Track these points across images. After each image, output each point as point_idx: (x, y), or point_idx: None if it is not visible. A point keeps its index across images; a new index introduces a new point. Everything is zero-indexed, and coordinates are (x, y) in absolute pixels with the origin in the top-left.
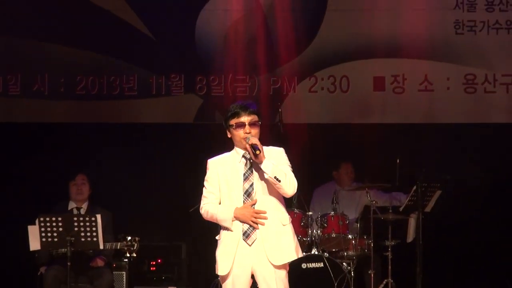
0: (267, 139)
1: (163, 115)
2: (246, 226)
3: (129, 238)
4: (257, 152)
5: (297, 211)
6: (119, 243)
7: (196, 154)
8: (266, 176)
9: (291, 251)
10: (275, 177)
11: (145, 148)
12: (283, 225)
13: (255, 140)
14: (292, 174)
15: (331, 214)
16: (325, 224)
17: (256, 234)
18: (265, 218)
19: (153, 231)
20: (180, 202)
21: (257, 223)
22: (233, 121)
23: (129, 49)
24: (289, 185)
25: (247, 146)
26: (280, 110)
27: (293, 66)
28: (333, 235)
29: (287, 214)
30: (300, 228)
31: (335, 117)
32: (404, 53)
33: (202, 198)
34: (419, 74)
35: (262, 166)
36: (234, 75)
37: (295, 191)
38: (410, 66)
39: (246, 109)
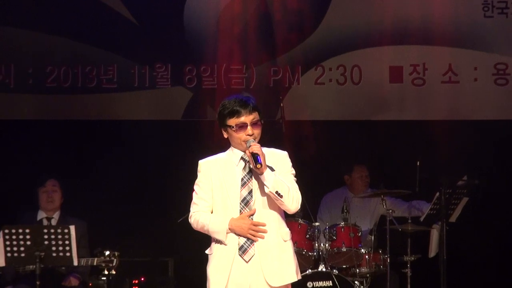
0: (267, 139)
1: (147, 111)
2: (242, 240)
3: (107, 252)
4: (258, 166)
5: (302, 222)
6: (95, 259)
7: (185, 155)
8: (266, 190)
9: (292, 271)
10: (276, 192)
11: (126, 149)
12: (284, 240)
13: (257, 149)
14: (296, 187)
15: (341, 225)
16: (334, 237)
17: (254, 249)
18: (265, 232)
19: (135, 244)
20: (166, 210)
21: (255, 236)
22: (232, 121)
23: (108, 35)
24: (292, 201)
25: (247, 152)
26: (281, 105)
27: (297, 54)
28: (344, 249)
29: (288, 228)
30: (306, 241)
31: (346, 113)
32: (425, 39)
33: (192, 205)
34: (442, 63)
35: (263, 179)
36: (228, 65)
37: (299, 207)
38: (432, 54)
39: (247, 106)
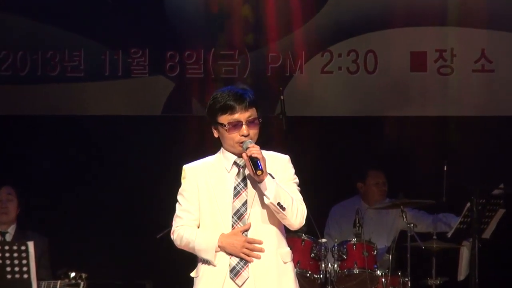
0: (264, 140)
1: (120, 105)
2: (235, 260)
3: (72, 274)
4: (258, 172)
5: (306, 238)
6: (59, 282)
7: (167, 158)
8: (266, 201)
9: None
10: (278, 204)
11: (95, 151)
12: (284, 262)
13: (257, 152)
14: (301, 198)
15: (353, 242)
16: (344, 256)
17: (248, 272)
18: (261, 251)
19: (107, 264)
20: (144, 224)
21: (250, 256)
22: (224, 119)
23: (74, 14)
24: (296, 215)
25: (244, 156)
26: (281, 98)
27: (300, 37)
28: (356, 270)
29: (288, 248)
30: (310, 261)
31: (358, 108)
32: (454, 20)
33: (175, 218)
34: (474, 49)
35: (263, 188)
36: (217, 50)
37: (303, 222)
38: (462, 38)
39: (243, 101)
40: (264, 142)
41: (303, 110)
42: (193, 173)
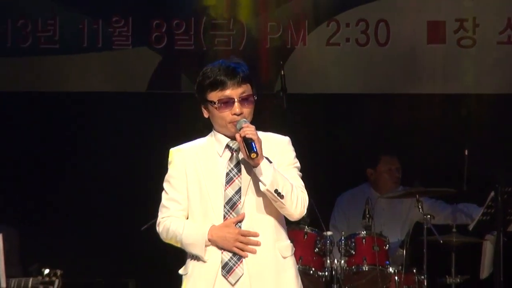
0: (262, 120)
1: (99, 81)
2: (227, 255)
3: (46, 271)
4: (252, 155)
5: (309, 230)
6: (31, 279)
7: (152, 140)
8: (262, 188)
9: None
10: (275, 191)
11: (71, 133)
12: (284, 257)
13: (251, 132)
14: (302, 185)
15: (362, 235)
16: (352, 251)
17: (242, 268)
18: (257, 244)
19: (85, 260)
20: (126, 215)
21: (244, 251)
22: (213, 95)
23: None
24: (296, 204)
25: (238, 137)
26: (282, 73)
27: (302, 3)
28: (365, 267)
29: (289, 240)
30: (314, 257)
31: (368, 85)
32: None
33: (161, 208)
34: (498, 18)
35: (258, 173)
36: (209, 18)
37: (305, 211)
38: (485, 6)
39: (235, 76)
40: (262, 122)
41: (306, 87)
42: (181, 157)
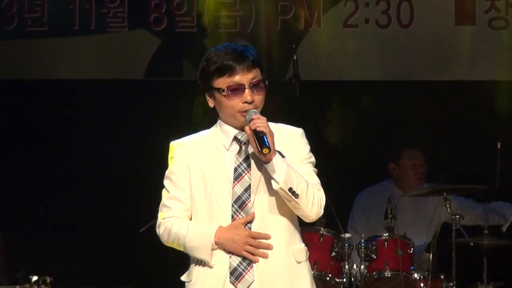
0: (273, 109)
1: (92, 67)
2: (236, 260)
3: (34, 278)
4: (265, 150)
5: (325, 232)
6: (17, 287)
7: (151, 133)
8: (275, 186)
9: None
10: (290, 190)
11: (62, 124)
12: (298, 262)
13: (263, 124)
14: (318, 182)
15: (383, 237)
16: (373, 255)
17: (252, 274)
18: (269, 248)
19: (77, 266)
20: (122, 215)
21: (254, 255)
22: (221, 82)
23: None
24: (313, 203)
25: (247, 129)
26: (294, 58)
27: None
28: (387, 273)
29: (303, 243)
30: (331, 261)
31: (390, 71)
32: None
33: (161, 208)
34: None
35: (270, 170)
36: None
37: (321, 212)
38: None
39: (244, 60)
40: (272, 113)
41: (320, 73)
42: (183, 151)
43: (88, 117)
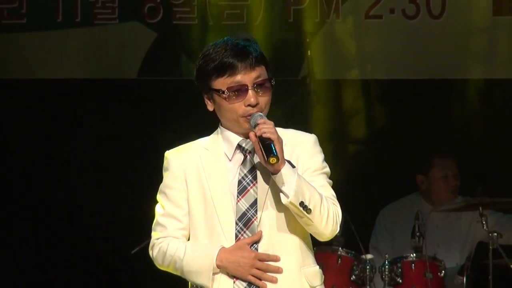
0: (283, 112)
1: (79, 65)
2: (241, 285)
3: None
4: (272, 160)
5: (344, 253)
6: None
7: (145, 139)
8: (284, 201)
9: None
10: (301, 204)
11: (45, 128)
12: (312, 287)
13: (270, 130)
14: (333, 196)
15: (410, 258)
16: (399, 279)
17: None
18: (279, 272)
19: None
20: (112, 235)
21: (262, 280)
22: (221, 83)
23: None
24: (327, 220)
25: (252, 136)
26: (309, 54)
27: None
28: None
29: (317, 266)
30: (350, 286)
31: (417, 68)
32: None
33: (155, 227)
34: None
35: (279, 181)
36: None
37: (337, 229)
38: None
39: (246, 56)
40: (283, 116)
41: (338, 72)
42: (179, 162)
43: (74, 121)
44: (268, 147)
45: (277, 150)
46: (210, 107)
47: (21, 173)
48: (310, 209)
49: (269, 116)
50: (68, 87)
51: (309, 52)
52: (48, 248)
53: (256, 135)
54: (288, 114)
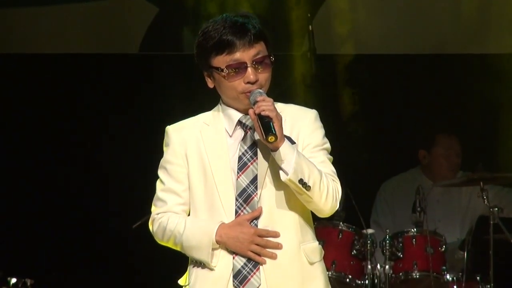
0: (285, 88)
1: (80, 40)
2: (240, 261)
3: (13, 280)
4: (270, 139)
5: (344, 228)
6: None
7: (147, 114)
8: (283, 178)
9: None
10: (300, 181)
11: (46, 105)
12: (311, 263)
13: (269, 108)
14: (333, 172)
15: (411, 233)
16: (399, 253)
17: (259, 278)
18: (278, 247)
19: (60, 268)
20: (113, 210)
21: (261, 256)
22: (219, 60)
23: None
24: (327, 196)
25: (251, 113)
26: (310, 29)
27: None
28: (416, 274)
29: (317, 241)
30: (351, 261)
31: (422, 43)
32: None
33: (155, 201)
34: None
35: (278, 159)
36: None
37: (337, 206)
38: None
39: (245, 33)
40: (284, 92)
41: (340, 46)
42: (180, 137)
43: (76, 95)
44: (266, 125)
45: (275, 128)
46: (211, 84)
47: (24, 145)
48: (309, 186)
49: (270, 92)
50: (70, 61)
51: (310, 27)
52: (53, 221)
53: (255, 113)
54: (289, 88)
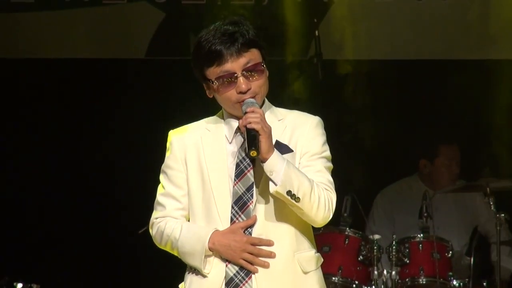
0: (291, 93)
1: (87, 45)
2: (232, 269)
3: (20, 285)
4: (252, 153)
5: (351, 233)
6: None
7: (153, 119)
8: (271, 189)
9: None
10: (288, 193)
11: (51, 108)
12: (305, 272)
13: (255, 120)
14: (329, 181)
15: (418, 239)
16: (406, 259)
17: (250, 286)
18: (270, 256)
19: (67, 272)
20: (117, 216)
21: (253, 264)
22: (211, 72)
23: None
24: (318, 207)
25: (240, 124)
26: (316, 34)
27: None
28: (422, 279)
29: (315, 249)
30: (357, 267)
31: (427, 49)
32: None
33: (155, 205)
34: None
35: (267, 170)
36: None
37: (330, 216)
38: None
39: (233, 42)
40: (289, 97)
41: (346, 52)
42: (180, 142)
43: (82, 100)
44: (251, 138)
45: (261, 140)
46: (209, 95)
47: (30, 149)
48: (298, 198)
49: (275, 97)
50: (76, 66)
51: (316, 32)
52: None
53: (244, 125)
54: (295, 94)
